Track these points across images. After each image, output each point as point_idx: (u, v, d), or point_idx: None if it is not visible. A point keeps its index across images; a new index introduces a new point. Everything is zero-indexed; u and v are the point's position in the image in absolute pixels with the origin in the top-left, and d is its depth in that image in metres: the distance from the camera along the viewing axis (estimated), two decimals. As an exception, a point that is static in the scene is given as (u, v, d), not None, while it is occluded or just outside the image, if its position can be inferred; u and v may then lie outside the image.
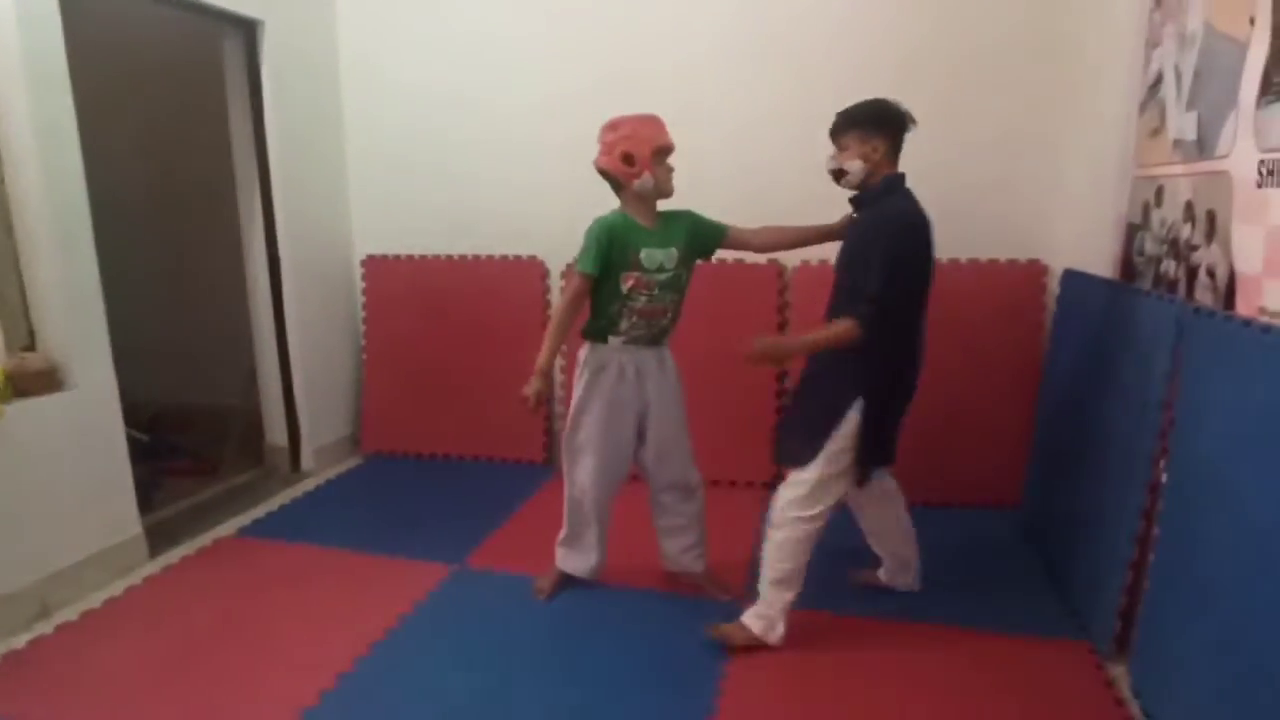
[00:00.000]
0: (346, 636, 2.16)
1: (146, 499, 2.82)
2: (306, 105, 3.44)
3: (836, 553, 2.54)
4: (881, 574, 2.37)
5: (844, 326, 1.90)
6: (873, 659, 1.98)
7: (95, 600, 2.38)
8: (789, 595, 2.05)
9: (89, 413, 2.48)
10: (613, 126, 2.09)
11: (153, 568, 2.60)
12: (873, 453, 2.00)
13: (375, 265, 3.72)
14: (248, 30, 3.16)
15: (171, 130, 4.05)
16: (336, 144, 3.65)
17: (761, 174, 3.18)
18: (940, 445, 2.91)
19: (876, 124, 1.96)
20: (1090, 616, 2.13)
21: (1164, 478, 1.87)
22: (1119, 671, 1.97)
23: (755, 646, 2.06)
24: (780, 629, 2.06)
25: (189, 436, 3.82)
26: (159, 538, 2.76)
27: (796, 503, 2.01)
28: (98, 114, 2.75)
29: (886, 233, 1.91)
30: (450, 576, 2.51)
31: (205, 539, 2.82)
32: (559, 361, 3.29)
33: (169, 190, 4.16)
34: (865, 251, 1.92)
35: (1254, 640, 1.42)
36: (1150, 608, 1.87)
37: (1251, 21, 1.67)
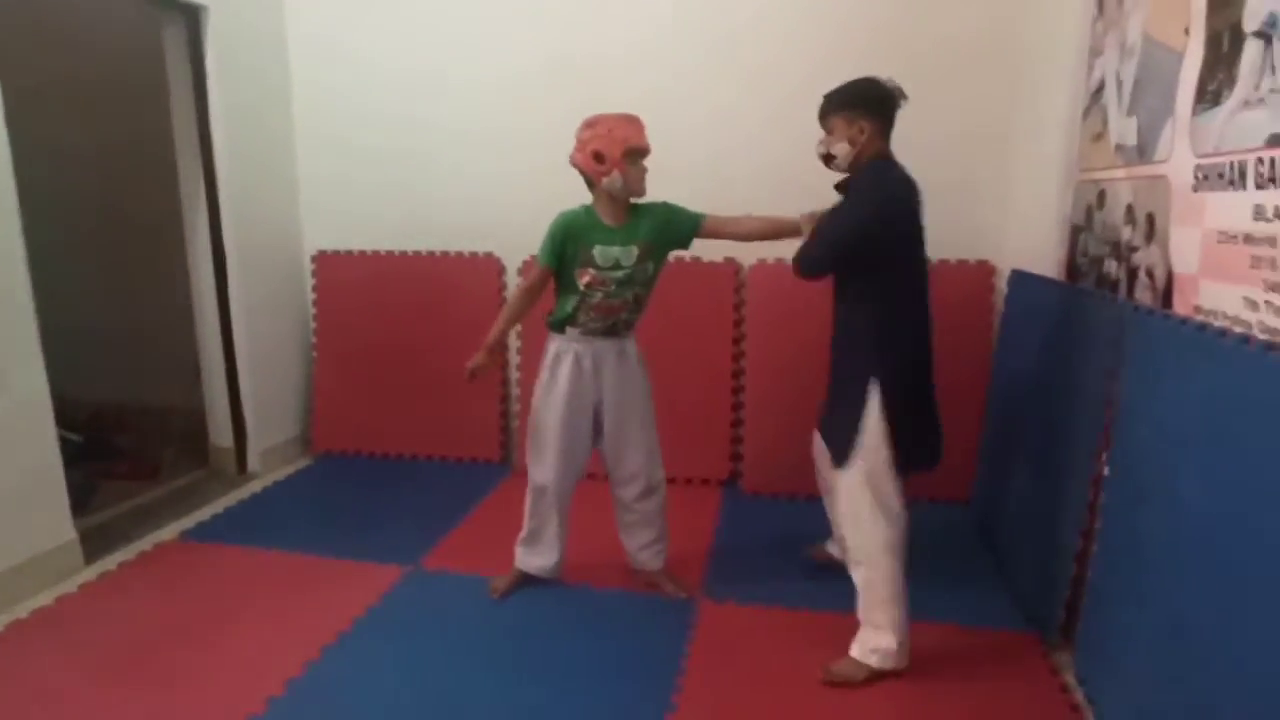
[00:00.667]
0: (296, 641, 2.10)
1: (81, 503, 2.70)
2: (254, 96, 3.33)
3: (790, 548, 2.58)
4: (829, 545, 2.39)
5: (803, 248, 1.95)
6: (828, 653, 2.00)
7: (23, 610, 2.27)
8: (898, 612, 1.93)
9: (17, 414, 2.35)
10: (590, 124, 2.08)
11: (89, 574, 2.49)
12: (911, 445, 1.92)
13: (327, 260, 3.63)
14: (190, 16, 3.04)
15: (109, 121, 3.89)
16: (286, 136, 3.55)
17: (726, 162, 3.19)
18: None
19: (862, 104, 1.89)
20: (1037, 607, 2.19)
21: (1106, 471, 1.93)
22: (1064, 659, 2.03)
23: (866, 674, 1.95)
24: (904, 647, 1.94)
25: (128, 437, 3.67)
26: (95, 543, 2.64)
27: (859, 518, 1.92)
28: (28, 104, 2.61)
29: (868, 199, 1.88)
30: (404, 578, 2.46)
31: (145, 543, 2.71)
32: (515, 344, 3.26)
33: (107, 182, 3.99)
34: (844, 210, 1.91)
35: (1189, 628, 1.48)
36: (1093, 598, 1.93)
37: (1186, 32, 1.73)
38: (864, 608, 1.96)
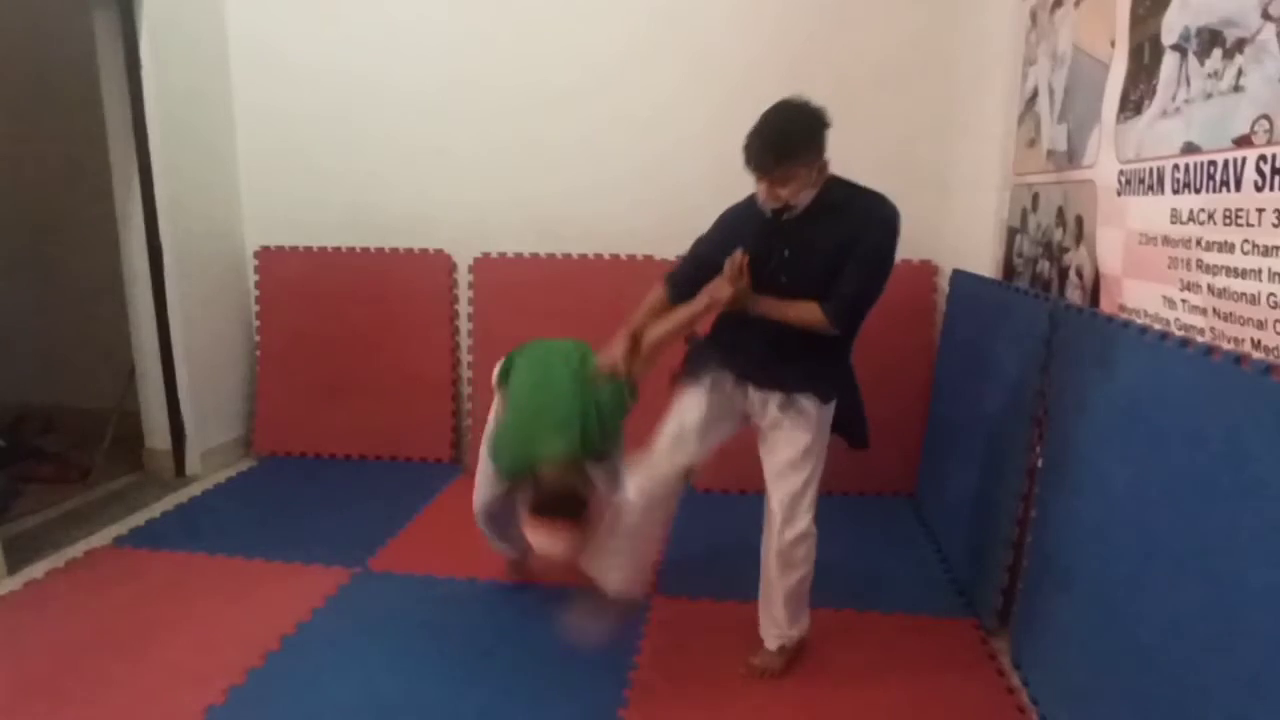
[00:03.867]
0: (239, 648, 2.04)
1: (3, 508, 2.57)
2: (191, 84, 3.22)
3: (741, 543, 2.61)
4: None
5: (816, 316, 1.75)
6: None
7: (-60, 622, 2.16)
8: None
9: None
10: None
11: (12, 584, 2.37)
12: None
13: (269, 257, 3.53)
14: (122, 1, 2.92)
15: (36, 113, 3.72)
16: (226, 127, 3.44)
17: (665, 171, 3.23)
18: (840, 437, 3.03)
19: (821, 141, 1.70)
20: (976, 594, 2.28)
21: (1039, 462, 2.02)
22: (1001, 644, 2.11)
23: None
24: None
25: (56, 440, 3.51)
26: (19, 551, 2.52)
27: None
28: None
29: (888, 230, 1.76)
30: (351, 580, 2.42)
31: (75, 550, 2.60)
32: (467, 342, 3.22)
33: (34, 177, 3.81)
34: (858, 249, 1.74)
35: (1118, 613, 1.55)
36: (1027, 584, 2.02)
37: (1112, 44, 1.82)
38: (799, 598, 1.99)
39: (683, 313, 1.86)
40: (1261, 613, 1.15)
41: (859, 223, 1.75)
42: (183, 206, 3.19)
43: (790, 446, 1.87)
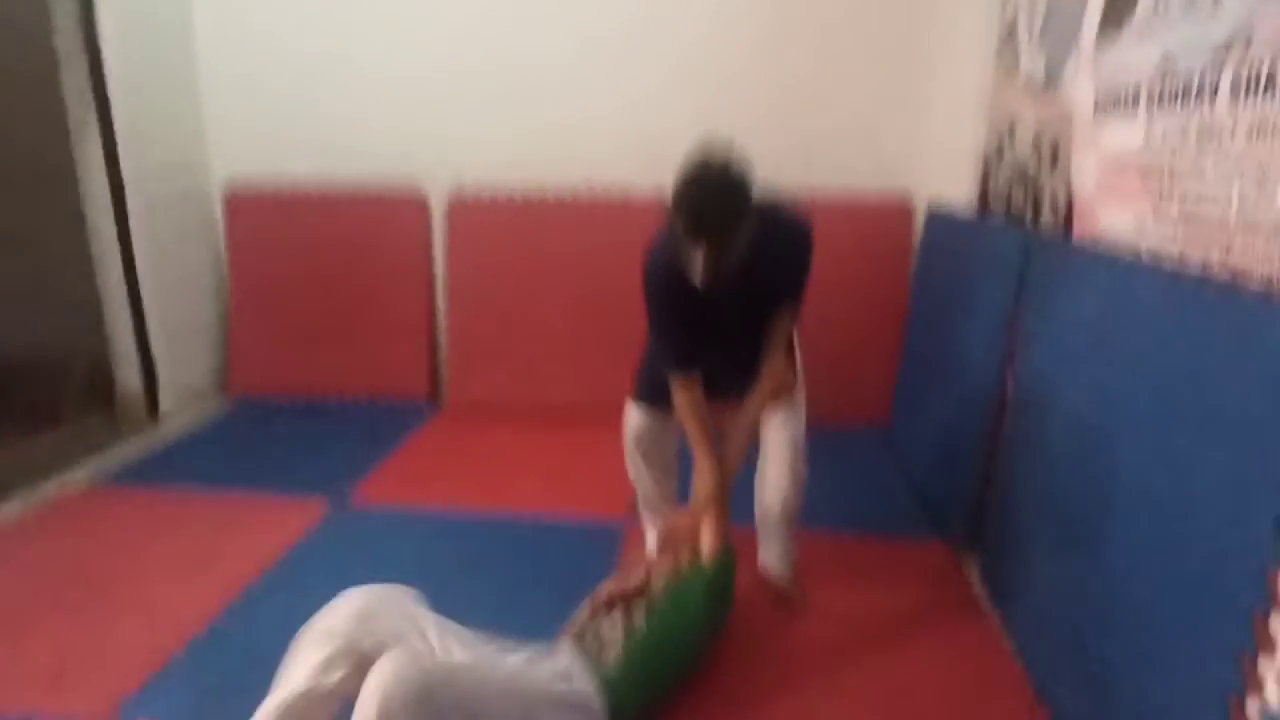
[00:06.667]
0: (218, 582, 2.05)
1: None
2: (149, 10, 3.06)
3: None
4: None
5: (781, 366, 1.87)
6: (748, 563, 2.07)
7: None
8: None
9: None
10: None
11: (-14, 523, 2.36)
12: None
13: (239, 194, 3.43)
14: (68, -84, 2.77)
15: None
16: (186, 52, 3.29)
17: (646, 109, 3.16)
18: (815, 371, 3.07)
19: (749, 204, 1.58)
20: (946, 517, 2.35)
21: (1010, 391, 2.06)
22: (970, 563, 2.19)
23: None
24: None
25: (21, 381, 3.44)
26: (-10, 491, 2.50)
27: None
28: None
29: (810, 249, 1.79)
30: (332, 514, 2.43)
31: (48, 490, 2.57)
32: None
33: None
34: (797, 270, 1.80)
35: (1083, 534, 1.60)
36: (995, 507, 2.08)
37: (1094, -37, 1.80)
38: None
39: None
40: (1220, 535, 1.18)
41: (784, 249, 1.76)
42: (145, 141, 3.08)
43: (783, 427, 1.94)
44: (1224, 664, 1.12)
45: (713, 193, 1.54)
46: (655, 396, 1.97)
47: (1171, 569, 1.29)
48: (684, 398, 1.85)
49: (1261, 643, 1.06)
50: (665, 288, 1.76)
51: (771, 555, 2.04)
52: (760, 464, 2.00)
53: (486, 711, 1.31)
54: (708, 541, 1.79)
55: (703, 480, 1.86)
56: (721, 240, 1.54)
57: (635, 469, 2.09)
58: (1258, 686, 1.06)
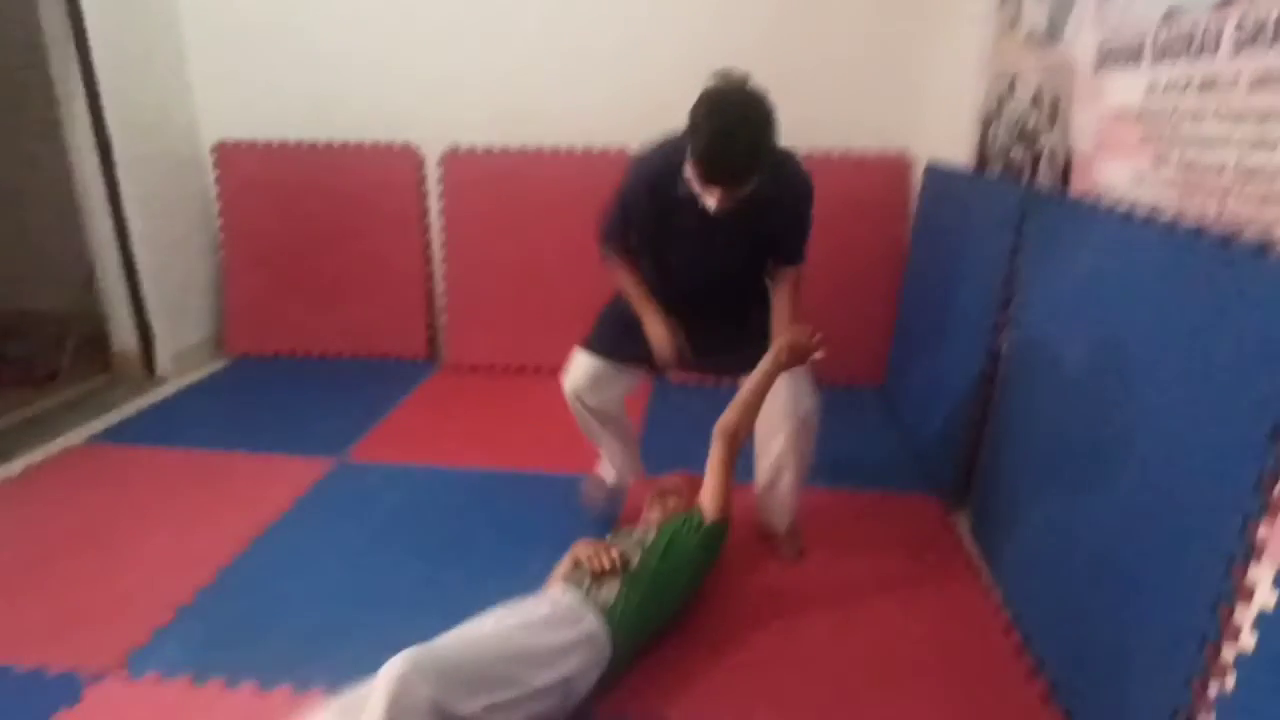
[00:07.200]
0: (224, 535, 2.08)
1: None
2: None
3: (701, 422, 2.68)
4: None
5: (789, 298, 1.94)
6: (743, 517, 2.11)
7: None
8: None
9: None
10: None
11: (-14, 483, 2.38)
12: None
13: (229, 151, 3.38)
14: None
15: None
16: (171, 15, 3.22)
17: (638, 60, 3.10)
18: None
19: (770, 155, 1.63)
20: (938, 472, 2.38)
21: (1004, 348, 2.07)
22: (961, 517, 2.23)
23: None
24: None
25: (18, 343, 3.44)
26: (-9, 451, 2.52)
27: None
28: None
29: (810, 198, 1.84)
30: (332, 470, 2.46)
31: (49, 450, 2.60)
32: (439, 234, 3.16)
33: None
34: (795, 221, 1.86)
35: (1072, 487, 1.62)
36: (987, 462, 2.11)
37: (1101, -92, 1.75)
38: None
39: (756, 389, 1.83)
40: (1205, 488, 1.19)
41: (786, 197, 1.79)
42: (131, 99, 3.02)
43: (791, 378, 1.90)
44: (1203, 613, 1.15)
45: (738, 145, 1.55)
46: (610, 348, 1.99)
47: (1156, 521, 1.32)
48: (622, 272, 1.98)
49: (1239, 591, 1.09)
50: (646, 196, 1.81)
51: (775, 504, 2.05)
52: (766, 413, 1.94)
53: (500, 676, 1.34)
54: (709, 499, 1.80)
55: (654, 323, 1.93)
56: (736, 190, 1.60)
57: (585, 424, 2.08)
58: (1234, 634, 1.10)
